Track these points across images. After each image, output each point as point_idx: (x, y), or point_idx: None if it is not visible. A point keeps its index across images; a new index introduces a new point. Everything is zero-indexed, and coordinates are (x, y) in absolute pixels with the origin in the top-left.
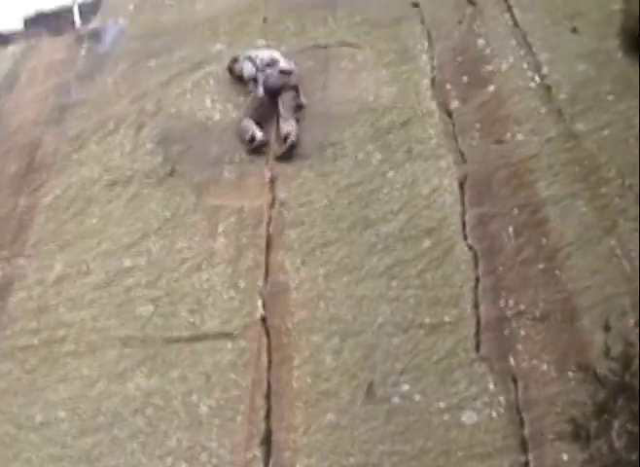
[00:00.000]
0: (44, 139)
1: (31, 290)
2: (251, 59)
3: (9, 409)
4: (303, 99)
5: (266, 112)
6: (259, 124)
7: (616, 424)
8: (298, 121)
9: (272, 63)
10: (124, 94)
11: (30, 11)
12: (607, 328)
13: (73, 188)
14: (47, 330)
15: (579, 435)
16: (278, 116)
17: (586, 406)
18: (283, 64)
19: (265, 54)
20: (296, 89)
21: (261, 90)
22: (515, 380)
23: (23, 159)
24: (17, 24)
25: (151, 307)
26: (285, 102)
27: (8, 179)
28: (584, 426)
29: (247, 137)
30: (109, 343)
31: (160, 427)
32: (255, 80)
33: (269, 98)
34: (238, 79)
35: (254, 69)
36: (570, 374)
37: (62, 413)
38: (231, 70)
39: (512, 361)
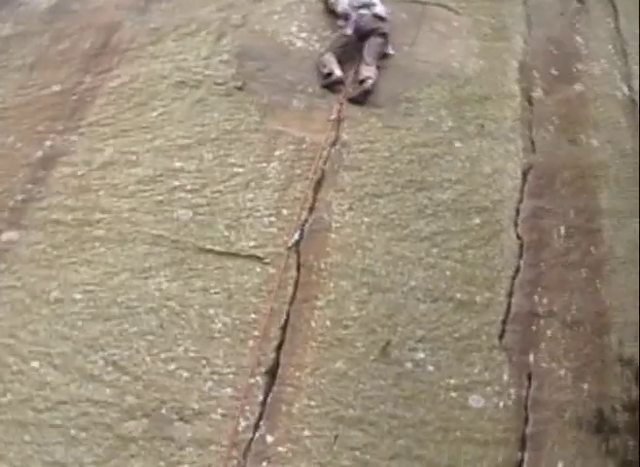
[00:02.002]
0: (123, 24)
1: (76, 168)
2: None
3: (28, 278)
4: (392, 49)
5: (350, 52)
6: (340, 61)
7: None
8: (379, 68)
9: (368, 5)
10: (212, 0)
11: None
12: None
13: (141, 78)
14: (82, 210)
15: (602, 428)
16: (361, 59)
17: (616, 400)
18: (379, 9)
19: None
20: (385, 36)
21: (350, 29)
22: (530, 377)
23: (98, 39)
24: None
25: (190, 213)
26: (371, 47)
27: (79, 55)
28: (609, 420)
29: (325, 71)
30: (140, 238)
31: (170, 331)
32: (347, 17)
33: (357, 39)
34: (330, 12)
35: (349, 6)
36: (585, 385)
37: (79, 295)
38: (325, 2)
39: (531, 358)
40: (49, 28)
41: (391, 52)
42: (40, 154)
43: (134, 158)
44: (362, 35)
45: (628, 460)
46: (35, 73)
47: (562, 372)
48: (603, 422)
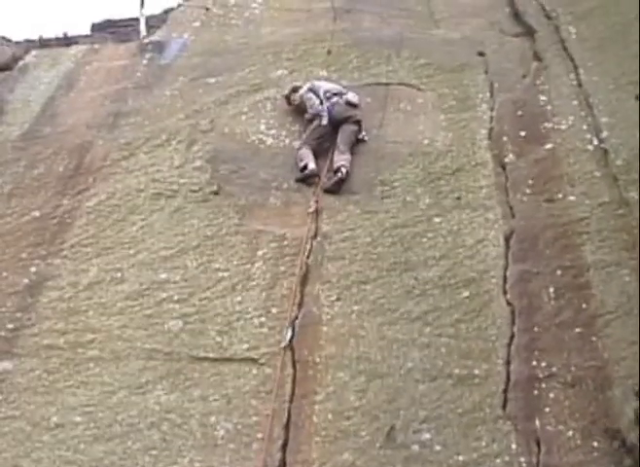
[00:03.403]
0: (95, 143)
1: (63, 291)
2: (314, 91)
3: (26, 406)
4: (365, 135)
5: (325, 142)
6: (316, 153)
7: None
8: (352, 155)
9: (339, 94)
10: (180, 109)
11: (99, 18)
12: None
13: (117, 195)
14: (74, 333)
15: None
16: (335, 147)
17: None
18: (350, 96)
19: (329, 86)
20: (359, 123)
21: (325, 120)
22: (538, 443)
23: (72, 160)
24: (85, 30)
25: (180, 323)
26: (345, 135)
27: (54, 178)
28: None
29: (300, 165)
30: (134, 354)
31: (174, 444)
32: (319, 114)
33: (332, 128)
34: (295, 108)
35: (318, 101)
36: (595, 443)
37: (78, 418)
38: (288, 99)
39: (537, 423)
40: (23, 155)
41: (365, 138)
42: (26, 281)
43: (119, 274)
44: (335, 124)
45: None
46: (13, 201)
47: (570, 433)
48: None
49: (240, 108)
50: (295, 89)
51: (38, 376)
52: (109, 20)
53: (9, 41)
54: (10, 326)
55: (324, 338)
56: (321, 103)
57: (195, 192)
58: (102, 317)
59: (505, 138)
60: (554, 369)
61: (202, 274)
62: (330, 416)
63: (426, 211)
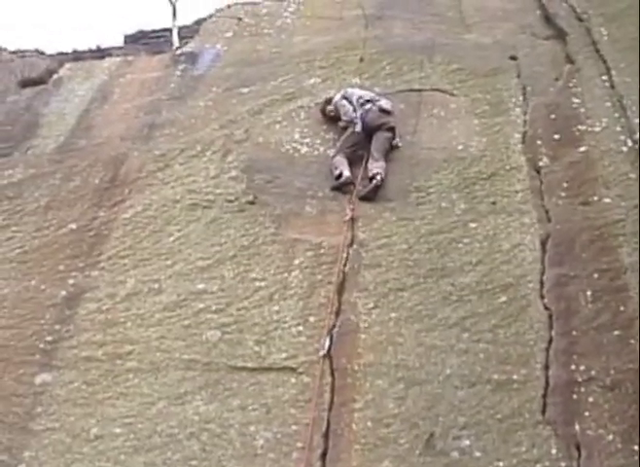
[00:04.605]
0: (130, 155)
1: (101, 303)
2: (347, 99)
3: (66, 418)
4: (399, 142)
5: (359, 149)
6: (350, 160)
7: None
8: (387, 162)
9: (372, 101)
10: (214, 119)
11: (132, 29)
12: None
13: (154, 206)
14: (112, 344)
15: None
16: (369, 154)
17: None
18: (384, 103)
19: (362, 93)
20: (392, 130)
21: (359, 127)
22: (578, 448)
23: (108, 172)
24: (117, 41)
25: (218, 333)
26: (379, 142)
27: (90, 191)
28: None
29: (335, 173)
30: (172, 365)
31: (214, 454)
32: (353, 121)
33: (365, 136)
34: (330, 119)
35: (352, 109)
36: (636, 447)
37: (118, 429)
38: (323, 112)
39: (577, 427)
40: (59, 168)
41: (399, 144)
42: (64, 293)
43: (157, 285)
44: (369, 131)
45: None
46: (50, 213)
47: (610, 437)
48: None
49: (274, 117)
50: (328, 101)
51: (77, 387)
52: (141, 31)
53: (43, 54)
54: (49, 338)
55: (362, 345)
56: (354, 110)
57: (230, 202)
58: (140, 328)
59: (539, 142)
60: (593, 372)
61: (239, 284)
62: (369, 424)
63: (462, 217)
